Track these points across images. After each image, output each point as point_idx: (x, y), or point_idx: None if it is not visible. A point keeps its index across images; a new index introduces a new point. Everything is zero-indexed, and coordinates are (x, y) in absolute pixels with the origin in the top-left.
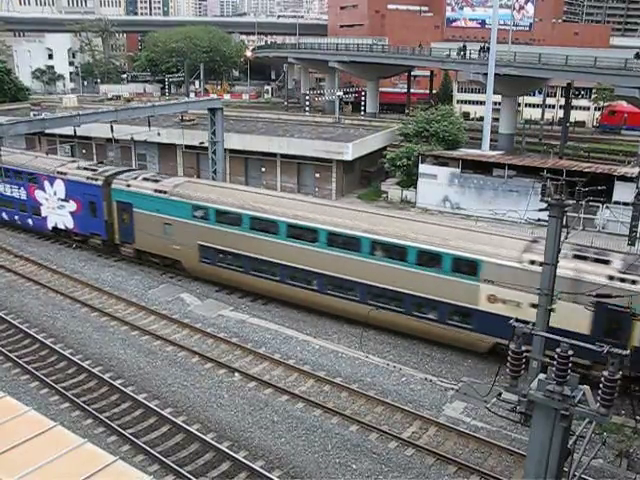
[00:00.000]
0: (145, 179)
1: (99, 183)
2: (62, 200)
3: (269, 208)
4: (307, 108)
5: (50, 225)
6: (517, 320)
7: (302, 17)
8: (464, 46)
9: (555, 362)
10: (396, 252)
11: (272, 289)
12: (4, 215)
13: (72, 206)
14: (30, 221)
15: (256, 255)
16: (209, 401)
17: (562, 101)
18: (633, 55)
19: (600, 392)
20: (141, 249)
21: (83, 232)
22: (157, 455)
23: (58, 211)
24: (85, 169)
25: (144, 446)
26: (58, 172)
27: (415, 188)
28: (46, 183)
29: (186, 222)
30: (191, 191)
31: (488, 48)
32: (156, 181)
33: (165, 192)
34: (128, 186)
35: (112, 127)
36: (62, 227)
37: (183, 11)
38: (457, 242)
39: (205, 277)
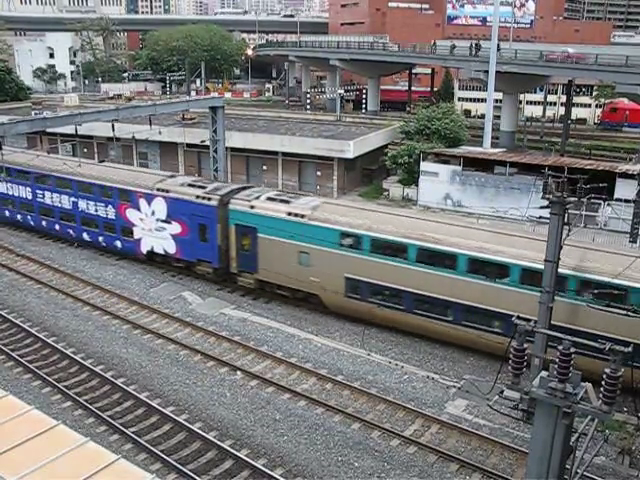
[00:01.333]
0: (270, 199)
1: (213, 203)
2: (162, 221)
3: (444, 238)
4: (308, 106)
5: (144, 249)
6: (518, 317)
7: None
8: (477, 44)
9: (557, 359)
10: (614, 294)
11: (444, 331)
12: (85, 235)
13: (175, 228)
14: (119, 243)
15: (425, 292)
16: (211, 399)
17: (563, 98)
18: None
19: (602, 389)
20: (266, 280)
21: (188, 258)
22: (159, 453)
23: (156, 233)
24: (190, 186)
25: (146, 445)
26: (158, 189)
27: (416, 186)
28: (142, 201)
29: (330, 251)
30: (336, 215)
31: (477, 45)
32: (286, 202)
33: (303, 216)
34: (251, 207)
35: (113, 126)
36: (160, 251)
37: (184, 10)
38: None
39: (350, 314)
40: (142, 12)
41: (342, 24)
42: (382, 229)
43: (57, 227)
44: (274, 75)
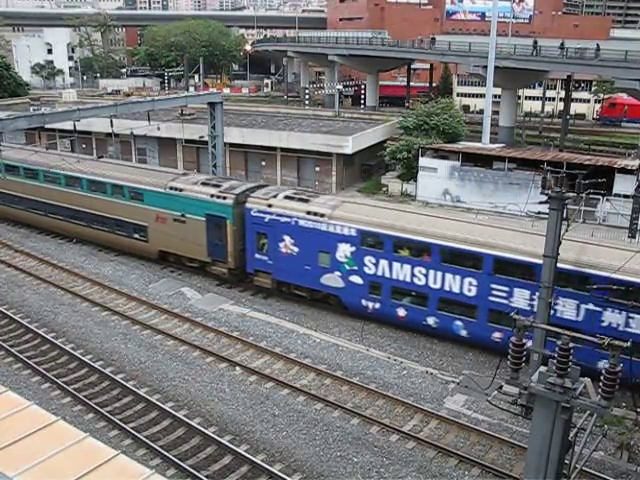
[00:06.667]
0: None
1: None
2: None
3: None
4: (307, 102)
5: None
6: (517, 313)
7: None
8: (433, 38)
9: (556, 354)
10: None
11: None
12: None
13: None
14: None
15: None
16: (210, 395)
17: (562, 93)
18: None
19: (601, 384)
20: None
21: None
22: (158, 449)
23: None
24: None
25: (146, 440)
26: None
27: (415, 181)
28: None
29: None
30: None
31: (432, 39)
32: None
33: None
34: None
35: (112, 122)
36: None
37: (182, 5)
38: None
39: None
40: (140, 7)
41: (341, 19)
42: None
43: (497, 337)
44: (273, 71)
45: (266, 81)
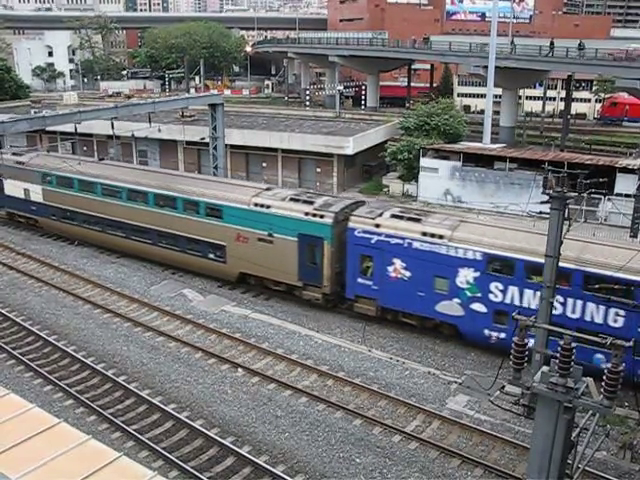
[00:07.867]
0: None
1: None
2: None
3: None
4: (307, 103)
5: None
6: (519, 313)
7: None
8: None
9: (558, 354)
10: None
11: None
12: None
13: None
14: None
15: None
16: (213, 396)
17: (563, 93)
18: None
19: (603, 384)
20: None
21: None
22: (161, 451)
23: None
24: None
25: (148, 442)
26: None
27: (416, 182)
28: None
29: None
30: None
31: (426, 39)
32: None
33: None
34: None
35: (113, 124)
36: None
37: (182, 7)
38: None
39: None
40: (141, 10)
41: (341, 20)
42: None
43: None
44: (273, 72)
45: (267, 82)
